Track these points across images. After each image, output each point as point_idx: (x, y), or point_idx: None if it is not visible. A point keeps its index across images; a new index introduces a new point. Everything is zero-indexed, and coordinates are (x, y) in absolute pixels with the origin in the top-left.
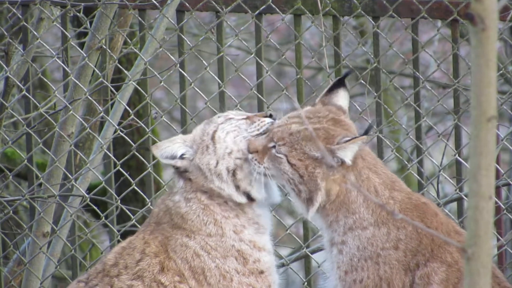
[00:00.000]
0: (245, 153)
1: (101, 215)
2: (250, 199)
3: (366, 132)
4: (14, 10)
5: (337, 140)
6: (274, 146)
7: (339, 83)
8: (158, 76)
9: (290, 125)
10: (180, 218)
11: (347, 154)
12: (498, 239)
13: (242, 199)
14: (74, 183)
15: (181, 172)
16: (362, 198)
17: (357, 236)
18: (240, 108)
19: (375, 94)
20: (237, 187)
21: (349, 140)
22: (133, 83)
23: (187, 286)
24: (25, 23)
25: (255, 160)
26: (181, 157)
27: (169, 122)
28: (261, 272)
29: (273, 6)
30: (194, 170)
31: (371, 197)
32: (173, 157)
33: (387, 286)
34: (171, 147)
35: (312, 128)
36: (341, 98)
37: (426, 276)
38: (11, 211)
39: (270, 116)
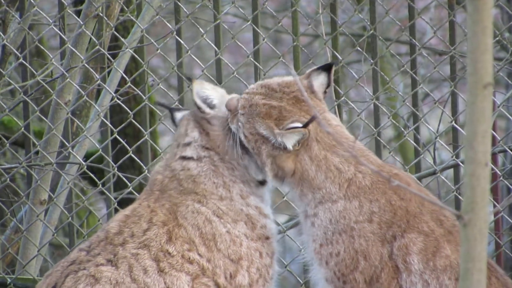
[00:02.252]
0: None
1: (98, 182)
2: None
3: (305, 125)
4: None
5: (285, 124)
6: (242, 113)
7: (325, 68)
8: (155, 43)
9: (255, 95)
10: (192, 182)
11: (288, 141)
12: (494, 206)
13: (260, 176)
14: (71, 150)
15: (200, 122)
16: (323, 174)
17: (328, 209)
18: (237, 75)
19: (372, 61)
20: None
21: (289, 129)
22: (130, 50)
23: (196, 254)
24: None
25: (230, 120)
26: (210, 106)
27: (166, 90)
28: (267, 238)
29: None
30: (216, 127)
31: (369, 165)
32: (205, 101)
33: (363, 258)
34: (211, 92)
35: (270, 105)
36: (318, 80)
37: (405, 246)
38: (8, 179)
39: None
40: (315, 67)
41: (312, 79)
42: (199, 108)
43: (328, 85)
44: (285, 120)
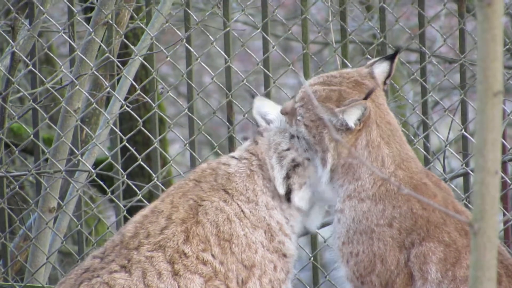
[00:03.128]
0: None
1: (107, 190)
2: (288, 197)
3: (366, 97)
4: None
5: (346, 102)
6: (301, 105)
7: (388, 58)
8: (165, 51)
9: (313, 86)
10: (226, 179)
11: (350, 117)
12: (504, 214)
13: (282, 189)
14: (80, 158)
15: (255, 134)
16: (369, 163)
17: (353, 207)
18: (247, 82)
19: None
20: (287, 177)
21: (349, 104)
22: (140, 58)
23: (209, 255)
24: None
25: (287, 122)
26: (267, 121)
27: (175, 97)
28: (284, 255)
29: None
30: (265, 139)
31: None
32: (262, 116)
33: (380, 262)
34: (269, 109)
35: (330, 89)
36: (380, 67)
37: (422, 255)
38: (17, 186)
39: None
40: (384, 56)
41: (374, 67)
42: (256, 122)
43: (389, 75)
44: (345, 100)
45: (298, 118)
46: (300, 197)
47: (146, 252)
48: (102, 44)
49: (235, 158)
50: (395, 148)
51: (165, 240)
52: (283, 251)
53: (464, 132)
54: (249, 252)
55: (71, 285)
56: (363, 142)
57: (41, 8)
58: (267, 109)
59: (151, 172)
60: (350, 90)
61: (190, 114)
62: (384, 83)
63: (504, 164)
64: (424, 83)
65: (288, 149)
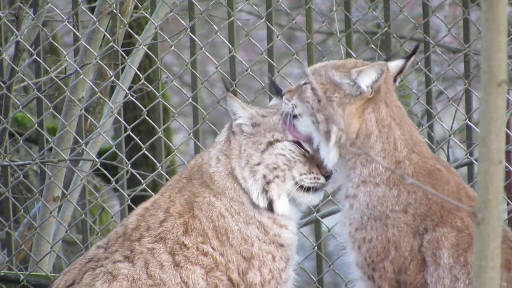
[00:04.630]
0: (285, 178)
1: (112, 179)
2: (271, 208)
3: (386, 59)
4: None
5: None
6: (304, 82)
7: (409, 56)
8: (169, 40)
9: (328, 61)
10: (209, 178)
11: (364, 78)
12: (508, 204)
13: (262, 203)
14: (84, 147)
15: (229, 131)
16: (380, 145)
17: (368, 192)
18: (251, 72)
19: (385, 57)
20: (265, 191)
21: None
22: (144, 47)
23: (209, 247)
24: None
25: (286, 99)
26: (238, 122)
27: (179, 87)
28: (281, 245)
29: None
30: (237, 142)
31: (378, 159)
32: (234, 115)
33: (394, 249)
34: (239, 109)
35: (345, 61)
36: (395, 62)
37: (435, 240)
38: (21, 175)
39: (327, 177)
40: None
41: (391, 61)
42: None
43: (402, 71)
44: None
45: (306, 86)
46: (282, 205)
47: (147, 244)
48: (106, 34)
49: (214, 158)
50: (407, 130)
51: (164, 233)
52: (280, 242)
53: (468, 122)
54: (246, 245)
55: (75, 275)
56: (372, 119)
57: None
58: (237, 110)
59: (155, 161)
60: (364, 64)
61: (194, 104)
62: (395, 79)
63: (508, 154)
64: (428, 73)
65: (259, 164)
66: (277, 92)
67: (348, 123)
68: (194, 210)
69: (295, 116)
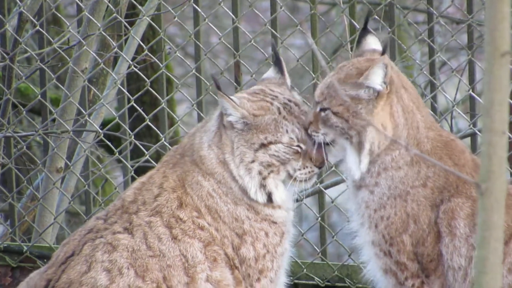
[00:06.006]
0: (280, 171)
1: (115, 150)
2: (270, 200)
3: (383, 52)
4: None
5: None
6: (320, 109)
7: (364, 32)
8: (172, 11)
9: (326, 80)
10: (199, 158)
11: (374, 80)
12: (511, 175)
13: (261, 199)
14: (87, 118)
15: (221, 125)
16: (406, 132)
17: (390, 176)
18: (254, 43)
19: (389, 29)
20: (262, 186)
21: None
22: (147, 18)
23: (204, 221)
24: None
25: (313, 131)
26: (229, 120)
27: (183, 58)
28: (274, 222)
29: None
30: (228, 137)
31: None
32: (225, 110)
33: (413, 222)
34: (230, 108)
35: (347, 70)
36: (372, 43)
37: (450, 210)
38: (24, 147)
39: (320, 167)
40: (355, 43)
41: (367, 47)
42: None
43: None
44: (366, 70)
45: (326, 113)
46: (280, 195)
47: (145, 217)
48: (109, 5)
49: (206, 143)
50: (424, 112)
51: (160, 207)
52: (272, 220)
53: (472, 93)
54: (237, 223)
55: (75, 246)
56: (399, 109)
57: None
58: (228, 109)
59: (158, 132)
60: (365, 63)
61: (197, 75)
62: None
63: (511, 125)
64: (431, 43)
65: (253, 161)
66: (276, 61)
67: (383, 125)
68: (186, 187)
69: (327, 144)
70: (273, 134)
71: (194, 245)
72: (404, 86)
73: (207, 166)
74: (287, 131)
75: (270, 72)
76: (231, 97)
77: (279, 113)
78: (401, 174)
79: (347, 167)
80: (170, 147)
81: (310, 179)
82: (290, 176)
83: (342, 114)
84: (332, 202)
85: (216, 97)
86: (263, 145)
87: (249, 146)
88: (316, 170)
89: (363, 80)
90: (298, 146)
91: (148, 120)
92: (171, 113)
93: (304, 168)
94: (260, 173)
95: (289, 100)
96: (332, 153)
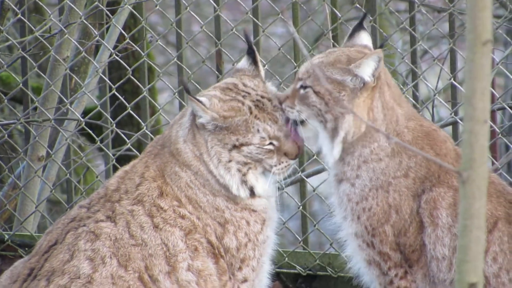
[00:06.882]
0: (257, 167)
1: (96, 139)
2: (253, 193)
3: (380, 46)
4: None
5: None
6: (301, 86)
7: (359, 27)
8: (154, 0)
9: (313, 60)
10: (176, 150)
11: (364, 70)
12: (493, 163)
13: (244, 194)
14: (69, 107)
15: (193, 126)
16: (384, 127)
17: (372, 168)
18: (236, 31)
19: (371, 18)
20: (244, 182)
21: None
22: (129, 6)
23: (185, 210)
24: None
25: (288, 107)
26: (200, 121)
27: (164, 46)
28: (254, 210)
29: None
30: (202, 137)
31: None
32: (196, 112)
33: (395, 212)
34: (200, 111)
35: (336, 55)
36: (364, 39)
37: (432, 200)
38: (6, 135)
39: (295, 158)
40: (349, 33)
41: (359, 42)
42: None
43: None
44: (356, 60)
45: (306, 90)
46: (261, 187)
47: (127, 206)
48: None
49: (181, 138)
50: (405, 106)
51: (141, 195)
52: (252, 208)
53: (453, 81)
54: (218, 212)
55: (58, 234)
56: (379, 105)
57: None
58: (199, 111)
59: (140, 120)
60: (356, 54)
61: (179, 63)
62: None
63: (493, 113)
64: (413, 32)
65: (230, 161)
66: (249, 51)
67: (361, 115)
68: (165, 177)
69: (301, 122)
70: (244, 136)
71: (175, 233)
72: (388, 83)
73: (184, 158)
74: (258, 130)
75: (244, 62)
76: (201, 98)
77: (250, 112)
78: (382, 166)
79: (322, 151)
80: (151, 135)
81: (288, 171)
82: (268, 170)
83: (324, 96)
84: (314, 191)
85: (198, 86)
86: (235, 146)
87: (223, 145)
88: (291, 162)
89: (353, 67)
90: (270, 144)
91: (129, 108)
92: (153, 101)
93: (279, 164)
94: (239, 170)
95: (262, 97)
96: (304, 134)
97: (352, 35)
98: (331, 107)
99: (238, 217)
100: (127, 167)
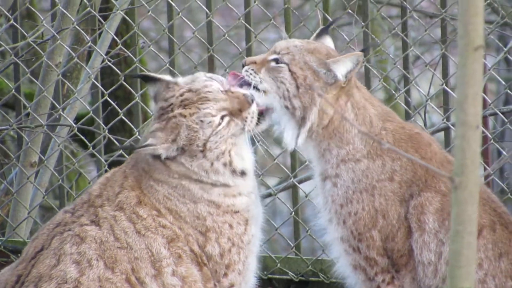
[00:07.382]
0: (231, 141)
1: (89, 144)
2: (243, 173)
3: (363, 50)
4: None
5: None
6: (275, 59)
7: (324, 31)
8: (146, 5)
9: (294, 41)
10: (147, 165)
11: (340, 68)
12: (485, 169)
13: (238, 180)
14: (61, 112)
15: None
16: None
17: (351, 168)
18: (228, 37)
19: (363, 23)
20: (233, 172)
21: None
22: (121, 12)
23: (166, 220)
24: None
25: (252, 70)
26: (164, 156)
27: (156, 52)
28: (236, 211)
29: None
30: (175, 163)
31: (358, 126)
32: (157, 155)
33: (382, 217)
34: (154, 152)
35: (316, 45)
36: (328, 44)
37: (420, 205)
38: None
39: (252, 101)
40: (314, 34)
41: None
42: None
43: None
44: (334, 56)
45: (281, 65)
46: (248, 163)
47: (110, 212)
48: None
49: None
50: (377, 105)
51: (121, 203)
52: (234, 210)
53: (445, 87)
54: (199, 220)
55: (44, 240)
56: (348, 104)
57: None
58: (156, 152)
59: (132, 126)
60: (335, 52)
61: (171, 69)
62: None
63: (485, 119)
64: (405, 37)
65: (212, 164)
66: (145, 78)
67: (324, 109)
68: (142, 189)
69: (256, 88)
70: (199, 137)
71: (158, 240)
72: (357, 86)
73: (158, 174)
74: (201, 121)
75: (154, 91)
76: (149, 143)
77: (184, 116)
78: (362, 167)
79: (282, 135)
80: None
81: (255, 117)
82: (243, 133)
83: (297, 78)
84: (306, 196)
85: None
86: (203, 150)
87: (196, 157)
88: (252, 109)
89: (331, 62)
90: (221, 118)
91: (122, 114)
92: (145, 107)
93: (245, 120)
94: (224, 164)
95: (181, 94)
96: (256, 99)
97: (319, 35)
98: (300, 93)
99: (220, 222)
100: (108, 174)
